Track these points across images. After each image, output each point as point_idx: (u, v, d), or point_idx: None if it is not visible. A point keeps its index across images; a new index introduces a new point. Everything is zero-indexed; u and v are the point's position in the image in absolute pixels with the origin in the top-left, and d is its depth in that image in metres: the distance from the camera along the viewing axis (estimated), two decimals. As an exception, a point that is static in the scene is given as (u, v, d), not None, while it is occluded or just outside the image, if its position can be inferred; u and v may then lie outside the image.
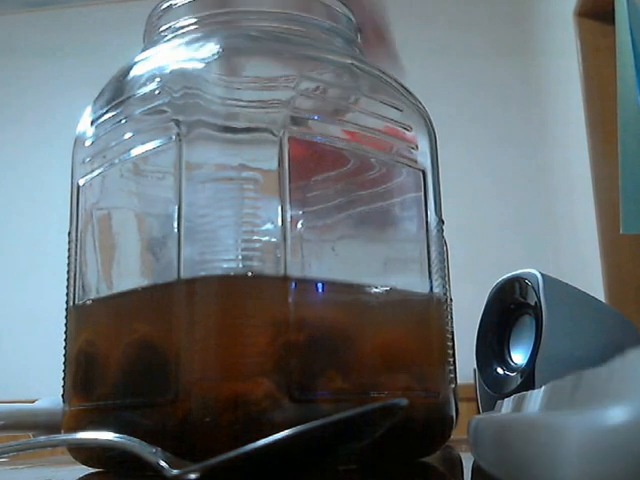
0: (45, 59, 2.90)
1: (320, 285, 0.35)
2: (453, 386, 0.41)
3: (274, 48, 0.40)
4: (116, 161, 0.39)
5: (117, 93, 0.40)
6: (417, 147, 0.41)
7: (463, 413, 0.43)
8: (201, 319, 0.33)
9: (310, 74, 0.38)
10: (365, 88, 0.41)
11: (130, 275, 0.38)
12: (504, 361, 0.61)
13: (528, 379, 0.55)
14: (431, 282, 0.40)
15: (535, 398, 0.28)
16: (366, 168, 0.39)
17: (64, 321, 0.40)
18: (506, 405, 0.37)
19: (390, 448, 0.34)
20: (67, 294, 0.40)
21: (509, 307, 0.61)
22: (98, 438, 0.31)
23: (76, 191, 0.41)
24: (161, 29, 0.42)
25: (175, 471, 0.26)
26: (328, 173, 0.39)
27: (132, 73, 0.40)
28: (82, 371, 0.38)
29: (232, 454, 0.24)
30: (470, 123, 2.67)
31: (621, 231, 0.83)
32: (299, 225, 0.35)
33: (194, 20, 0.41)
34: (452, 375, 0.41)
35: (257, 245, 0.33)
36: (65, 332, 0.40)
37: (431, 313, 0.40)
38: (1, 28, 3.01)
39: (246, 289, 0.33)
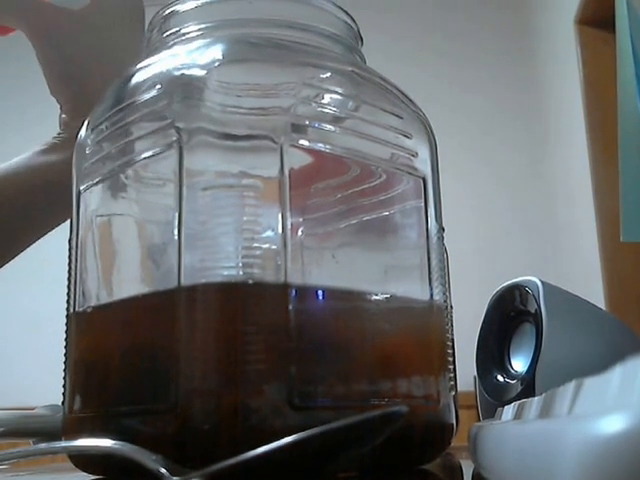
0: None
1: (320, 292, 0.35)
2: (453, 393, 0.41)
3: (275, 55, 0.40)
4: (116, 168, 0.39)
5: (118, 99, 0.40)
6: (417, 154, 0.41)
7: (463, 421, 0.43)
8: (201, 326, 0.33)
9: (311, 81, 0.38)
10: (366, 95, 0.41)
11: (130, 282, 0.38)
12: (504, 368, 0.61)
13: (528, 386, 0.55)
14: (431, 289, 0.40)
15: (535, 406, 0.28)
16: (366, 175, 0.39)
17: (64, 328, 0.40)
18: (506, 412, 0.37)
19: (390, 455, 0.34)
20: (67, 301, 0.40)
21: (509, 315, 0.61)
22: (98, 445, 0.31)
23: (76, 198, 0.41)
24: (162, 36, 0.42)
25: (175, 478, 0.26)
26: (328, 180, 0.39)
27: (133, 80, 0.40)
28: (82, 378, 0.38)
29: (232, 461, 0.24)
30: (471, 130, 2.68)
31: (621, 239, 0.83)
32: (299, 232, 0.35)
33: (195, 27, 0.41)
34: (452, 382, 0.41)
35: (257, 252, 0.33)
36: (65, 339, 0.40)
37: (431, 320, 0.40)
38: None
39: (246, 296, 0.33)
